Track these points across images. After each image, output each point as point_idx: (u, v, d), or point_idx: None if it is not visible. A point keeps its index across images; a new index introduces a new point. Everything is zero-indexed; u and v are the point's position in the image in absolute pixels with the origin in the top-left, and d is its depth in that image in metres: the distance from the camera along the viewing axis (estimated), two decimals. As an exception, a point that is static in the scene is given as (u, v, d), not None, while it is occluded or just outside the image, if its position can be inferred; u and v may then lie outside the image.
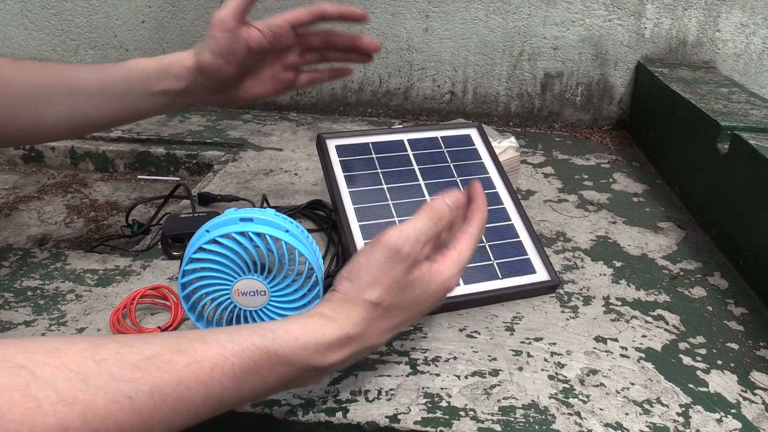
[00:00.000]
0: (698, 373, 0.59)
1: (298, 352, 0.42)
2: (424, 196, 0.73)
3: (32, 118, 0.65)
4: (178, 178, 1.10)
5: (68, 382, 0.33)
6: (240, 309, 0.53)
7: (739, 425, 0.52)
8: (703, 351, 0.62)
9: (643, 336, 0.64)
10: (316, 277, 0.53)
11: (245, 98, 0.72)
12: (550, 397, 0.54)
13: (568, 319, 0.65)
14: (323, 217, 0.82)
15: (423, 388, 0.54)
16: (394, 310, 0.47)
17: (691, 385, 0.57)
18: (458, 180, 0.75)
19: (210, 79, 0.68)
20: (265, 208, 0.55)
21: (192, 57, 0.68)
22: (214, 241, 0.51)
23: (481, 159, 0.78)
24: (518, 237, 0.72)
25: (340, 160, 0.74)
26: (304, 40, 0.72)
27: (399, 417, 0.51)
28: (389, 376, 0.56)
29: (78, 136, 0.76)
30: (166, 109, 0.70)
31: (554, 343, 0.61)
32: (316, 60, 0.73)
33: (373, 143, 0.77)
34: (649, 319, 0.66)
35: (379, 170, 0.74)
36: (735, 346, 0.63)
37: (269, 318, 0.53)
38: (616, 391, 0.55)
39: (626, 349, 0.61)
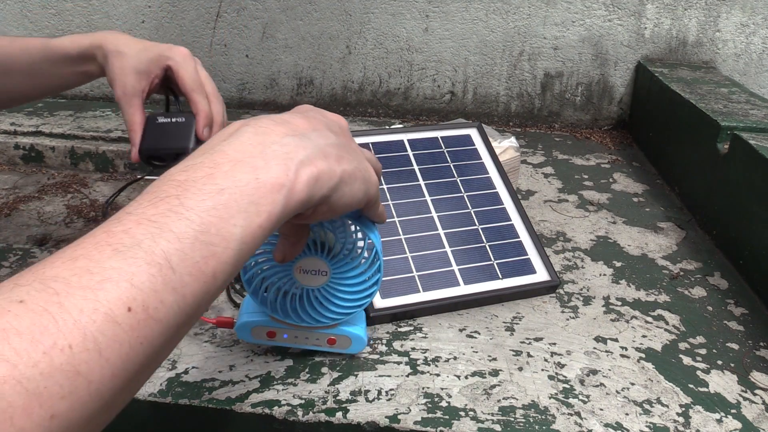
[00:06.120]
0: (698, 373, 0.59)
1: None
2: (424, 196, 0.73)
3: None
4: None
5: None
6: (301, 287, 0.52)
7: (739, 425, 0.52)
8: (703, 351, 0.62)
9: (643, 336, 0.64)
10: (379, 263, 0.52)
11: None
12: (550, 397, 0.54)
13: (568, 319, 0.65)
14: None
15: (423, 388, 0.54)
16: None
17: (691, 385, 0.57)
18: (458, 180, 0.75)
19: None
20: None
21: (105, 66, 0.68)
22: None
23: (481, 159, 0.78)
24: (518, 237, 0.72)
25: (340, 160, 0.74)
26: None
27: (399, 417, 0.51)
28: (389, 376, 0.56)
29: (9, 108, 0.81)
30: (94, 78, 0.71)
31: (554, 343, 0.61)
32: None
33: (373, 143, 0.76)
34: (649, 319, 0.66)
35: (379, 170, 0.74)
36: (735, 346, 0.63)
37: (329, 298, 0.52)
38: (616, 391, 0.55)
39: (626, 349, 0.61)
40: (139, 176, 1.06)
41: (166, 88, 0.70)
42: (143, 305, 0.28)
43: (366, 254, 0.51)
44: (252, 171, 0.35)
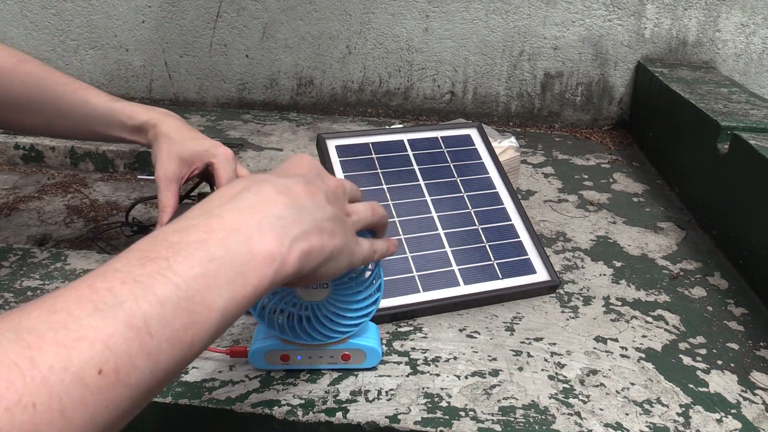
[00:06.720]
0: (698, 373, 0.59)
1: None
2: (424, 196, 0.73)
3: (12, 120, 0.73)
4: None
5: None
6: (306, 305, 0.52)
7: (739, 425, 0.52)
8: (703, 351, 0.62)
9: (643, 336, 0.64)
10: (380, 282, 0.53)
11: None
12: (550, 397, 0.54)
13: (568, 319, 0.65)
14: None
15: (423, 388, 0.54)
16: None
17: (691, 385, 0.57)
18: (458, 180, 0.75)
19: None
20: None
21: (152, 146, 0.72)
22: None
23: (481, 159, 0.78)
24: (518, 237, 0.72)
25: (340, 161, 0.74)
26: None
27: (399, 417, 0.51)
28: (389, 376, 0.56)
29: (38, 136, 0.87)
30: (139, 145, 0.75)
31: (554, 343, 0.61)
32: None
33: (373, 143, 0.76)
34: (649, 319, 0.66)
35: (379, 170, 0.74)
36: (735, 346, 0.63)
37: (334, 311, 0.52)
38: (616, 391, 0.55)
39: (626, 349, 0.61)
40: (139, 176, 1.06)
41: (205, 177, 0.75)
42: (115, 368, 0.28)
43: (366, 275, 0.52)
44: (246, 242, 0.35)
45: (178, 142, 0.69)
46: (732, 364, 0.60)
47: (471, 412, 0.52)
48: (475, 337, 0.62)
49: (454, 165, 0.77)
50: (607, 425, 0.51)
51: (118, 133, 0.72)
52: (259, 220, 0.36)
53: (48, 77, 0.72)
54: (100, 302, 0.29)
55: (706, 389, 0.56)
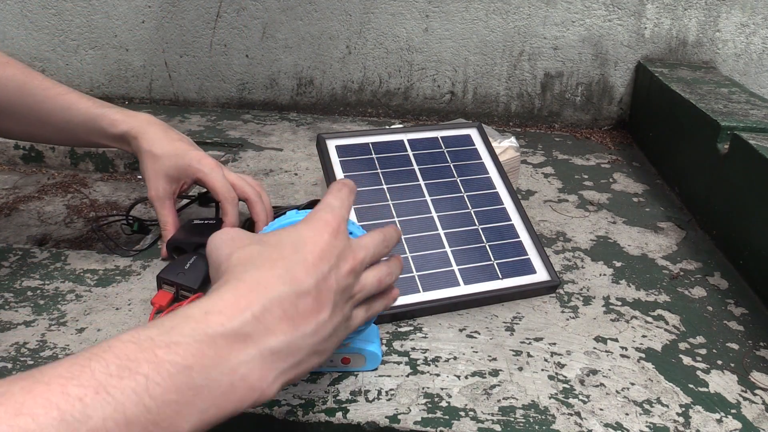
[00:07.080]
0: (698, 373, 0.59)
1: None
2: (424, 196, 0.73)
3: None
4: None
5: None
6: None
7: (739, 425, 0.52)
8: (703, 351, 0.62)
9: (643, 336, 0.64)
10: None
11: None
12: (550, 397, 0.54)
13: (568, 319, 0.65)
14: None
15: (423, 388, 0.54)
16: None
17: (691, 385, 0.57)
18: (458, 180, 0.75)
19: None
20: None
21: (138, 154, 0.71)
22: None
23: (481, 159, 0.78)
24: (518, 237, 0.72)
25: (340, 161, 0.74)
26: None
27: (399, 417, 0.51)
28: (389, 376, 0.56)
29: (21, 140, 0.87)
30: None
31: (554, 343, 0.61)
32: None
33: (373, 143, 0.76)
34: (649, 319, 0.67)
35: (379, 170, 0.74)
36: (735, 346, 0.63)
37: None
38: (616, 391, 0.55)
39: (626, 349, 0.61)
40: (139, 176, 1.06)
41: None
42: None
43: None
44: (230, 374, 0.34)
45: (162, 158, 0.69)
46: (732, 364, 0.60)
47: (471, 412, 0.52)
48: (475, 337, 0.62)
49: (454, 165, 0.77)
50: (607, 425, 0.51)
51: (100, 140, 0.71)
52: (251, 353, 0.35)
53: (29, 82, 0.70)
54: (67, 413, 0.29)
55: (706, 389, 0.56)
